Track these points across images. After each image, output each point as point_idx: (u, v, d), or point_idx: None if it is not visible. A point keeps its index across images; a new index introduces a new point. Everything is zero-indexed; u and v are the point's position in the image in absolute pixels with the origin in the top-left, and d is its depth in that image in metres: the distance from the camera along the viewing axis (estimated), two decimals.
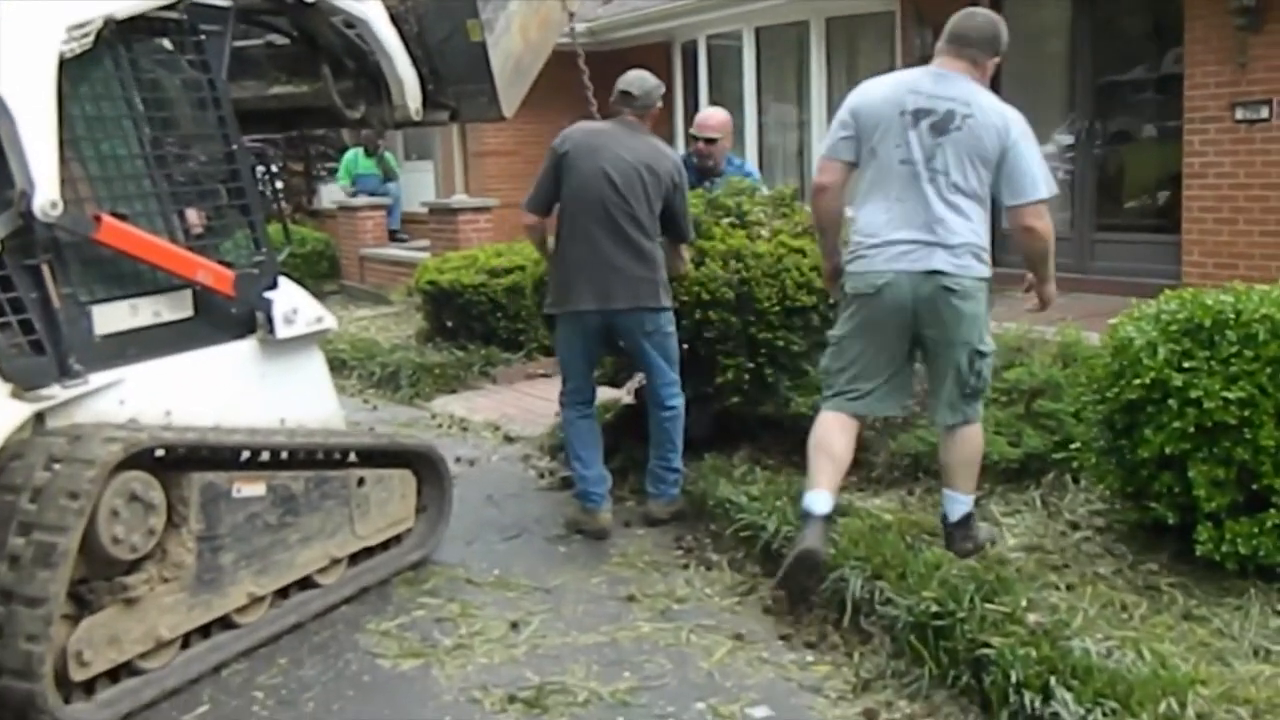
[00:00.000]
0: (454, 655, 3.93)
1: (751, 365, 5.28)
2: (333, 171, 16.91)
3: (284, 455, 4.14)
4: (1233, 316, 3.86)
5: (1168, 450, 3.84)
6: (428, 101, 5.09)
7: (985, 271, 4.09)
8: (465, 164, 15.33)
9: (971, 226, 4.03)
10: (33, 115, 3.40)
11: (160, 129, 3.92)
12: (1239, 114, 8.16)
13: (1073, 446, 4.36)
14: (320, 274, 13.67)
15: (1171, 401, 3.82)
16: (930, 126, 4.02)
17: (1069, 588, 3.95)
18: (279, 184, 16.90)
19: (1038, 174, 4.05)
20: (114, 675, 3.52)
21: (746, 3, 11.90)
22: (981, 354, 4.11)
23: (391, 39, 4.87)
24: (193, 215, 4.14)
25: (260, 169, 15.05)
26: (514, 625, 4.15)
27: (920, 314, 4.05)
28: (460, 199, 11.89)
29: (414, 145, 16.81)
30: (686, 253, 5.16)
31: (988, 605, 3.52)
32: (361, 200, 14.00)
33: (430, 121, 5.26)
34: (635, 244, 4.83)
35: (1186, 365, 3.84)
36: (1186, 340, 3.90)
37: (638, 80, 5.05)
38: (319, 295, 13.21)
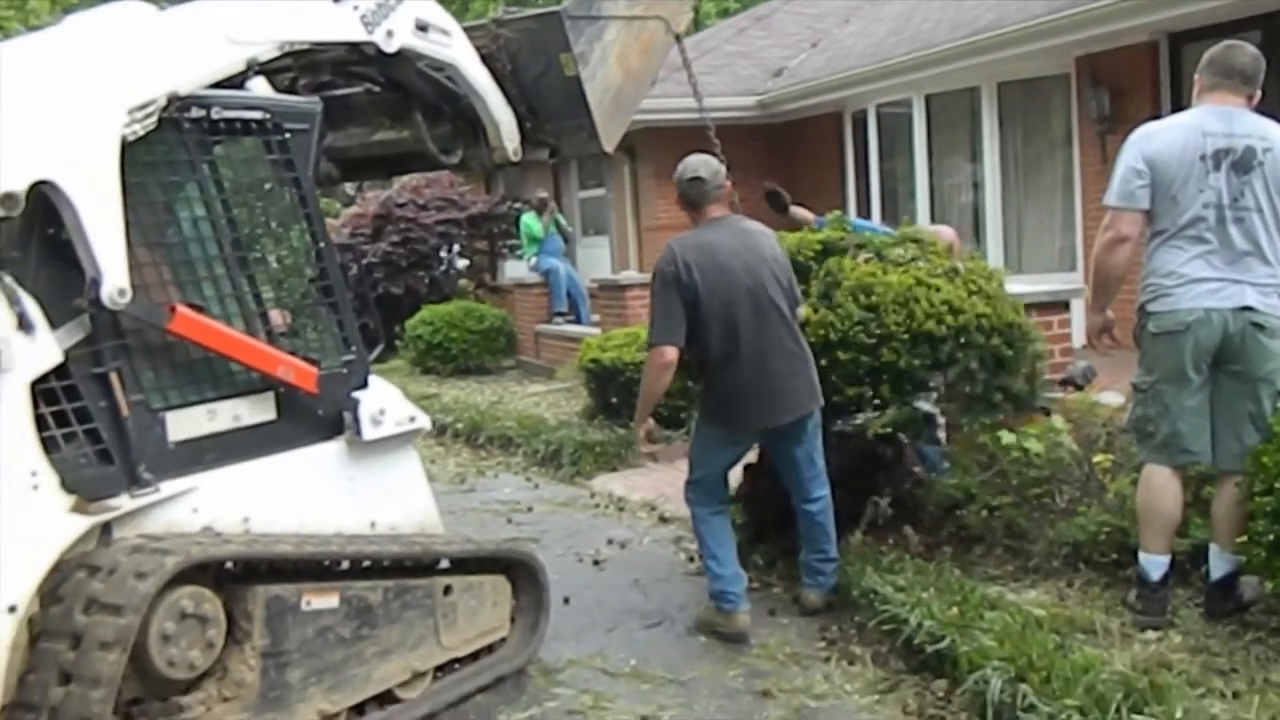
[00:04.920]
0: None
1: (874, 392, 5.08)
2: (514, 249, 17.31)
3: (362, 564, 3.84)
4: None
5: None
6: (527, 140, 4.94)
7: None
8: (639, 239, 15.50)
9: (1274, 269, 4.12)
10: (96, 202, 3.23)
11: (240, 227, 3.76)
12: None
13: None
14: (498, 350, 13.99)
15: None
16: (1232, 166, 4.09)
17: (1235, 695, 3.64)
18: (465, 262, 17.34)
19: None
20: None
21: (916, 71, 11.76)
22: None
23: (483, 80, 4.70)
24: (276, 316, 3.92)
25: (444, 249, 15.35)
26: None
27: (1226, 351, 4.11)
28: (628, 275, 12.01)
29: (590, 221, 17.09)
30: (802, 310, 4.93)
31: (1135, 716, 3.27)
32: (535, 278, 14.23)
33: (530, 160, 5.11)
34: (790, 348, 4.66)
35: None
36: None
37: (703, 164, 4.77)
38: (497, 370, 13.72)
